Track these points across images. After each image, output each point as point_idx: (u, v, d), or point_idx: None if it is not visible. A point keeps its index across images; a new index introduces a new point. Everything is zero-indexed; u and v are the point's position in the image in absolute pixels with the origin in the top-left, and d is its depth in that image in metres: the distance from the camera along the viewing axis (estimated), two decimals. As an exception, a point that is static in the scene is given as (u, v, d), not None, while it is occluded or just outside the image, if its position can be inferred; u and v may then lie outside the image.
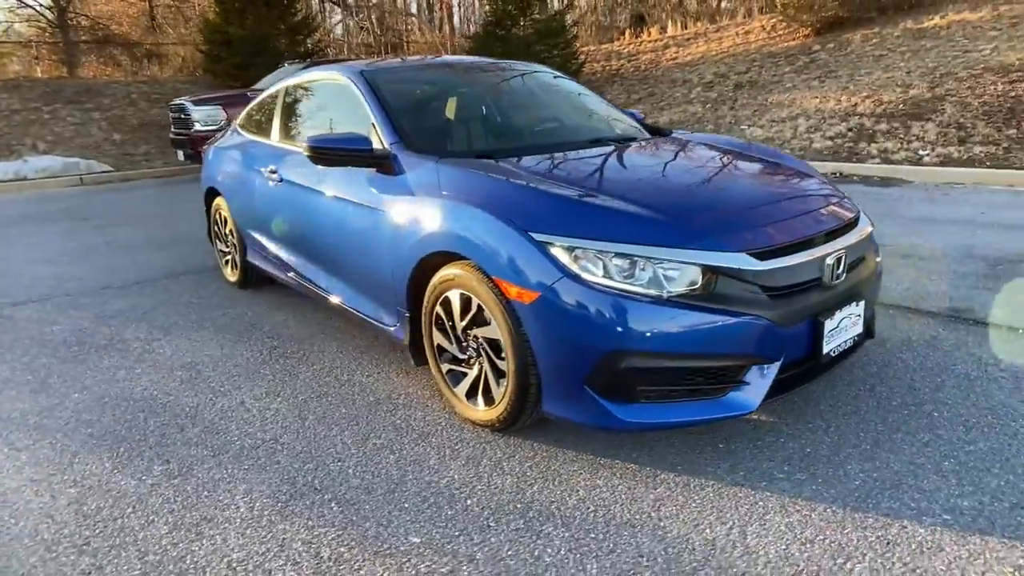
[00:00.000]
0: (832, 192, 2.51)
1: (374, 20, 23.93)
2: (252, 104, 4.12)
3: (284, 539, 1.85)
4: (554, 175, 2.36)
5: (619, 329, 1.89)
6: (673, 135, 3.24)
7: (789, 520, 1.82)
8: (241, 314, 3.83)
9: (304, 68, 10.99)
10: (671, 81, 14.48)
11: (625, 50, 17.92)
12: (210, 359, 3.19)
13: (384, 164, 2.64)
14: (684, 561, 1.69)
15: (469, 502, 1.98)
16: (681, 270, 1.93)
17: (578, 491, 2.01)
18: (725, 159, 2.74)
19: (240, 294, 4.21)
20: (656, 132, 3.30)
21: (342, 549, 1.80)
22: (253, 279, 4.19)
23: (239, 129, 4.15)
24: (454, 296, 2.31)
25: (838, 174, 8.01)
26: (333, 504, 2.00)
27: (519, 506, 1.95)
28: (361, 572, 1.71)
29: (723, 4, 19.55)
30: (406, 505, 1.98)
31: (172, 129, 10.74)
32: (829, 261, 2.12)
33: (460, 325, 2.34)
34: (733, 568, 1.65)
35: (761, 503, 1.90)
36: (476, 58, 3.79)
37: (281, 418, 2.56)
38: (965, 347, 2.88)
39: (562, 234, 2.00)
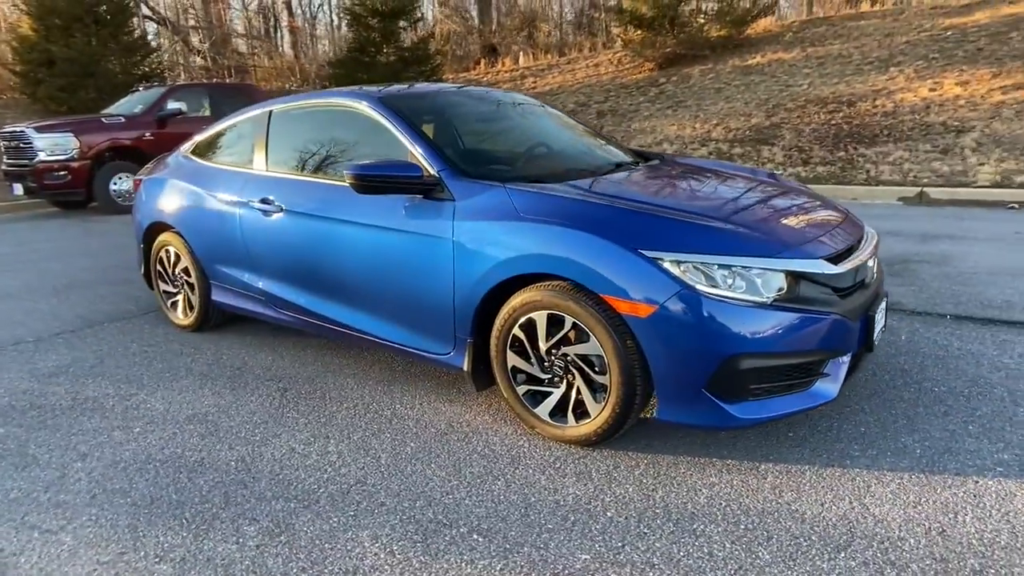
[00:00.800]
0: (838, 205, 2.90)
1: (206, 42, 22.52)
2: (209, 132, 3.82)
3: (451, 577, 1.79)
4: (627, 196, 2.50)
5: (736, 334, 2.07)
6: (665, 157, 3.51)
7: (890, 489, 2.09)
8: (216, 358, 3.52)
9: (167, 91, 10.21)
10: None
11: (484, 79, 18.47)
12: (217, 409, 2.91)
13: (434, 190, 2.62)
14: (835, 535, 1.88)
15: (609, 514, 2.03)
16: (772, 277, 2.15)
17: (700, 490, 2.14)
18: (747, 180, 3.03)
19: (197, 337, 3.85)
20: (644, 156, 3.54)
21: (519, 576, 1.78)
22: (212, 320, 3.87)
23: (191, 158, 3.83)
24: (540, 317, 2.35)
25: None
26: (476, 536, 1.96)
27: (658, 510, 2.04)
28: (555, 594, 1.71)
29: (569, 39, 20.80)
30: (550, 526, 1.99)
31: (4, 160, 9.44)
32: (870, 263, 2.46)
33: (544, 346, 2.38)
34: (876, 535, 1.87)
35: (859, 478, 2.15)
36: (465, 86, 3.83)
37: (351, 460, 2.43)
38: (918, 333, 3.41)
39: (668, 250, 2.14)
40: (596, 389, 2.32)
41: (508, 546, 1.91)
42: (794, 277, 2.17)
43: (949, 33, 12.21)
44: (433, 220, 2.60)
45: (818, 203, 2.84)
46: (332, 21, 24.06)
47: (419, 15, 16.66)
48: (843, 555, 1.80)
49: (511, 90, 17.17)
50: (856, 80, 11.55)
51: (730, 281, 2.11)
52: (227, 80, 19.36)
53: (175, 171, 3.87)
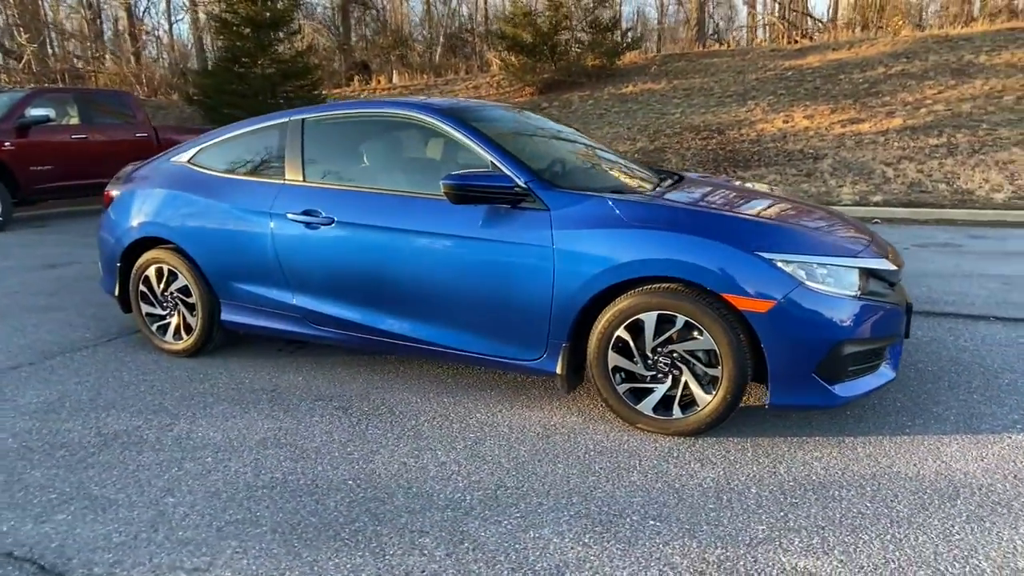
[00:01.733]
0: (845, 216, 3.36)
1: (31, 44, 20.10)
2: (212, 140, 3.57)
3: (701, 553, 1.91)
4: (713, 205, 2.76)
5: (840, 323, 2.39)
6: (680, 174, 3.79)
7: (954, 448, 2.49)
8: (236, 382, 3.29)
9: (27, 96, 8.99)
10: (420, 128, 15.19)
11: (362, 95, 18.19)
12: (285, 432, 2.76)
13: (524, 200, 2.71)
14: (943, 488, 2.23)
15: (753, 491, 2.24)
16: (854, 274, 2.49)
17: (813, 463, 2.41)
18: (769, 195, 3.41)
19: (194, 363, 3.56)
20: (659, 171, 3.81)
21: (749, 555, 1.94)
22: (214, 343, 3.60)
23: (193, 167, 3.55)
24: (649, 318, 2.53)
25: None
26: (652, 521, 2.08)
27: (792, 484, 2.28)
28: (790, 561, 1.89)
29: (441, 60, 21.06)
30: (710, 506, 2.16)
31: None
32: (898, 262, 2.92)
33: (651, 344, 2.56)
34: (970, 485, 2.24)
35: (926, 442, 2.54)
36: (464, 102, 3.85)
37: (474, 467, 2.44)
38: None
39: (778, 252, 2.42)
40: (704, 382, 2.53)
41: (688, 527, 2.05)
42: (867, 274, 2.54)
43: (790, 73, 14.01)
44: (528, 229, 2.68)
45: (835, 214, 3.28)
46: (198, 27, 22.38)
47: (296, 27, 16.11)
48: (959, 502, 2.15)
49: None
50: (721, 111, 12.88)
51: (828, 278, 2.43)
52: (89, 86, 17.46)
53: (171, 182, 3.56)
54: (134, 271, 3.66)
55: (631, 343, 2.59)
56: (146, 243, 3.62)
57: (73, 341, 3.95)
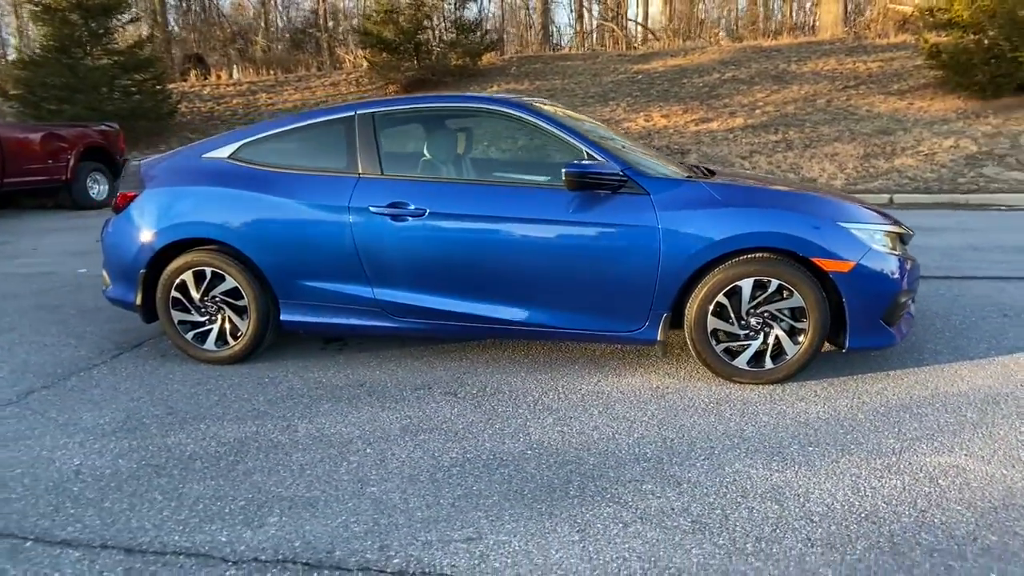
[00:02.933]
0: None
1: None
2: (258, 135, 3.40)
3: (870, 463, 2.32)
4: (775, 186, 3.24)
5: (897, 278, 2.98)
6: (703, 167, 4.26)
7: (991, 370, 3.18)
8: (316, 382, 3.23)
9: None
10: (285, 126, 14.55)
11: (205, 92, 16.90)
12: (418, 419, 2.81)
13: (624, 186, 3.00)
14: (1000, 395, 2.88)
15: (868, 419, 2.74)
16: (894, 238, 3.10)
17: (884, 393, 2.96)
18: (787, 182, 3.97)
19: (246, 368, 3.40)
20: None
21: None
22: (264, 346, 3.46)
23: (238, 163, 3.36)
24: (746, 283, 2.95)
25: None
26: (826, 446, 2.50)
27: (883, 409, 2.82)
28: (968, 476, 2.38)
29: (288, 55, 20.12)
30: (846, 433, 2.62)
31: None
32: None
33: (746, 307, 2.99)
34: (1015, 394, 2.93)
35: (963, 368, 3.21)
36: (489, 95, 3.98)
37: (625, 429, 2.69)
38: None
39: (851, 222, 2.95)
40: (792, 335, 3.00)
41: (841, 447, 2.49)
42: (900, 238, 3.16)
43: (640, 77, 15.36)
44: (633, 212, 2.98)
45: (836, 192, 3.92)
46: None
47: (136, 14, 14.60)
48: (1003, 405, 2.80)
49: (249, 106, 16.14)
50: (586, 110, 13.79)
51: (884, 241, 3.01)
52: None
53: (213, 179, 3.34)
54: (164, 277, 3.38)
55: (728, 307, 3.00)
56: (181, 246, 3.37)
57: (72, 360, 3.55)
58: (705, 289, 2.98)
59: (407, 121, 3.34)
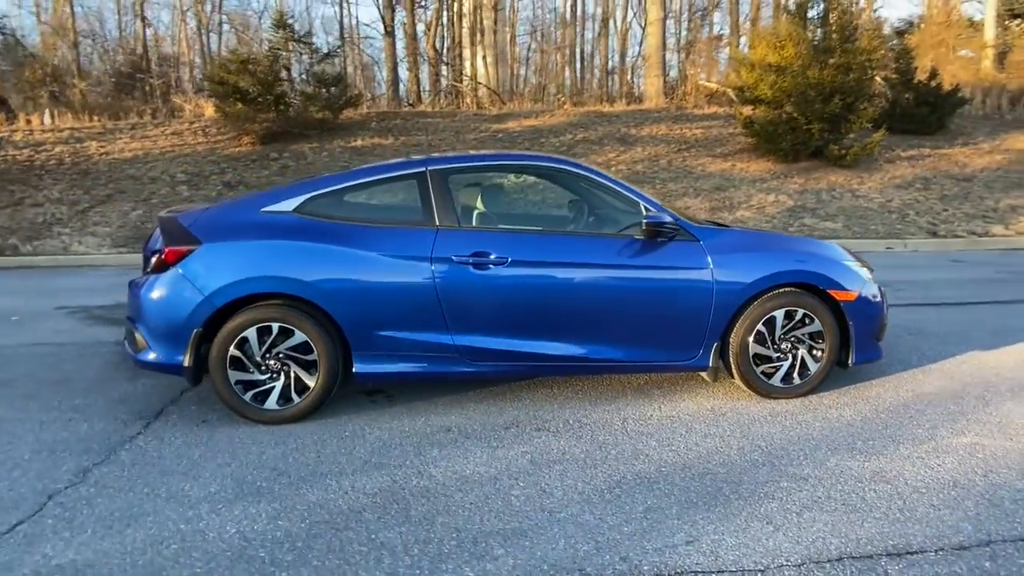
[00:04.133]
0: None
1: None
2: (324, 189, 3.41)
3: (913, 452, 2.93)
4: (785, 234, 3.90)
5: (883, 302, 3.75)
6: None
7: (959, 364, 4.05)
8: (416, 430, 3.26)
9: None
10: (132, 177, 13.42)
11: (17, 138, 15.00)
12: (545, 452, 3.00)
13: (677, 234, 3.49)
14: (990, 383, 3.71)
15: (896, 417, 3.41)
16: (870, 271, 3.88)
17: (898, 391, 3.68)
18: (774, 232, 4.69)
19: (316, 425, 3.32)
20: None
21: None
22: (326, 402, 3.42)
23: (307, 217, 3.35)
24: (779, 313, 3.55)
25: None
26: (878, 440, 3.09)
27: (883, 415, 3.51)
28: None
29: (119, 101, 18.44)
30: (886, 428, 3.25)
31: None
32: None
33: (779, 333, 3.58)
34: (988, 381, 3.78)
35: (932, 368, 4.05)
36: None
37: (728, 443, 3.11)
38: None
39: (851, 261, 3.69)
40: (812, 355, 3.64)
41: (889, 437, 3.11)
42: (870, 271, 3.97)
43: (501, 135, 16.32)
44: (689, 257, 3.47)
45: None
46: None
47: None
48: (1007, 386, 3.64)
49: (77, 155, 14.55)
50: (457, 165, 14.36)
51: (867, 274, 3.77)
52: None
53: (281, 233, 3.27)
54: (222, 335, 3.22)
55: (766, 334, 3.57)
56: (244, 302, 3.25)
57: (102, 435, 3.21)
58: (748, 320, 3.53)
59: (477, 177, 3.56)
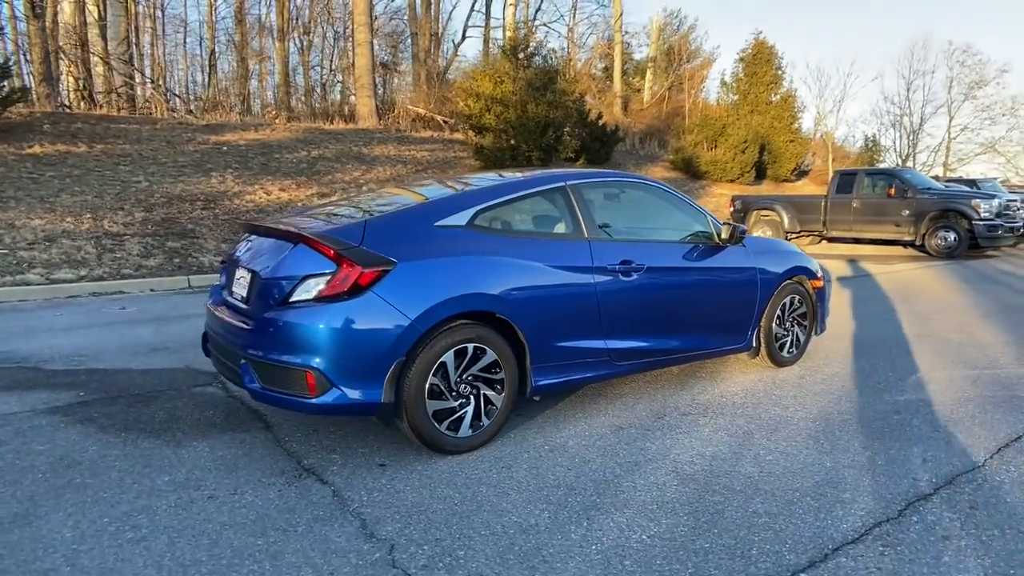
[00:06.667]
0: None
1: None
2: (492, 202, 3.22)
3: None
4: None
5: (829, 287, 5.02)
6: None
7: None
8: (592, 434, 3.30)
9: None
10: None
11: None
12: (695, 445, 3.39)
13: (740, 240, 4.21)
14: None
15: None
16: None
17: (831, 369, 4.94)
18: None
19: (487, 454, 3.14)
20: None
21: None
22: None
23: (480, 230, 3.11)
24: (791, 298, 4.52)
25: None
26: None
27: (884, 374, 4.77)
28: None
29: None
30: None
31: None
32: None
33: (788, 315, 4.57)
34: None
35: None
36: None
37: (827, 411, 3.91)
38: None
39: (812, 259, 4.86)
40: (800, 330, 4.70)
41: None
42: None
43: (226, 148, 14.79)
44: (744, 259, 4.19)
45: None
46: None
47: None
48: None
49: None
50: (190, 180, 12.65)
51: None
52: None
53: (464, 247, 2.97)
54: (422, 362, 2.83)
55: (784, 317, 4.51)
56: (446, 323, 2.90)
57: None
58: (776, 307, 4.42)
59: (604, 191, 3.71)
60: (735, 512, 2.52)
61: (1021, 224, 12.75)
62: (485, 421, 3.08)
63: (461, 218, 3.14)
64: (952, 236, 12.17)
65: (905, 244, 13.08)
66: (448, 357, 2.91)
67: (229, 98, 20.02)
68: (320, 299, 2.75)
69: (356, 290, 2.74)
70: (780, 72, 24.04)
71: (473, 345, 2.99)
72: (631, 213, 4.07)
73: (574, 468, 2.91)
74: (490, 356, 3.05)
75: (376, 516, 2.46)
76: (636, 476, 2.84)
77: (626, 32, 29.17)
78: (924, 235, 12.50)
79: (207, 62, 24.37)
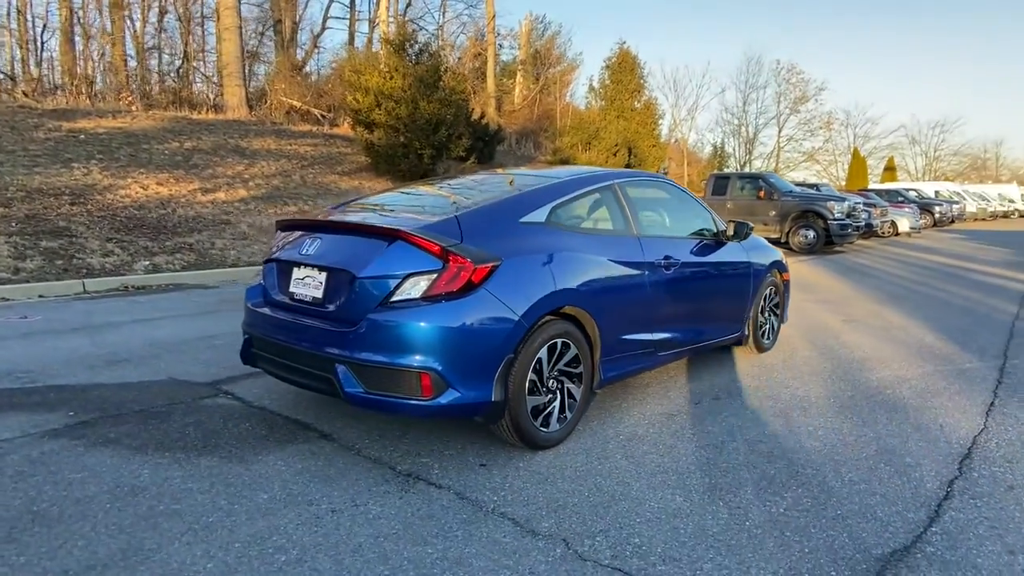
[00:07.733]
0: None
1: None
2: (562, 199, 3.24)
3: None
4: None
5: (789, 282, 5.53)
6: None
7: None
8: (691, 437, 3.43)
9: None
10: None
11: None
12: (784, 418, 3.67)
13: (747, 237, 4.53)
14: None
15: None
16: None
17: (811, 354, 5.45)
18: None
19: (599, 436, 3.19)
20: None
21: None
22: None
23: (560, 228, 3.13)
24: (769, 290, 4.93)
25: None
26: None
27: (860, 358, 5.30)
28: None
29: None
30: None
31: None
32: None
33: (769, 305, 4.98)
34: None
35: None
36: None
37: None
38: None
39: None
40: (775, 317, 5.14)
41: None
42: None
43: (84, 137, 13.19)
44: (740, 253, 4.52)
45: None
46: None
47: None
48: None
49: None
50: (49, 172, 11.17)
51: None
52: None
53: (549, 244, 2.99)
54: (525, 358, 2.80)
55: (764, 306, 4.92)
56: (548, 317, 2.89)
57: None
58: (760, 298, 4.80)
59: (639, 189, 3.82)
60: (836, 482, 2.76)
61: (863, 223, 14.66)
62: (568, 415, 3.10)
63: (541, 214, 3.13)
64: (812, 234, 13.72)
65: (772, 242, 14.57)
66: (543, 353, 2.90)
67: (74, 81, 17.77)
68: (428, 297, 2.63)
69: (469, 287, 2.65)
70: (643, 81, 25.62)
71: (561, 340, 2.99)
72: (659, 211, 4.25)
73: (664, 453, 3.02)
74: (572, 351, 3.07)
75: (523, 514, 2.41)
76: (722, 457, 3.00)
77: (498, 34, 29.66)
78: (788, 233, 13.98)
79: (37, 37, 21.47)
